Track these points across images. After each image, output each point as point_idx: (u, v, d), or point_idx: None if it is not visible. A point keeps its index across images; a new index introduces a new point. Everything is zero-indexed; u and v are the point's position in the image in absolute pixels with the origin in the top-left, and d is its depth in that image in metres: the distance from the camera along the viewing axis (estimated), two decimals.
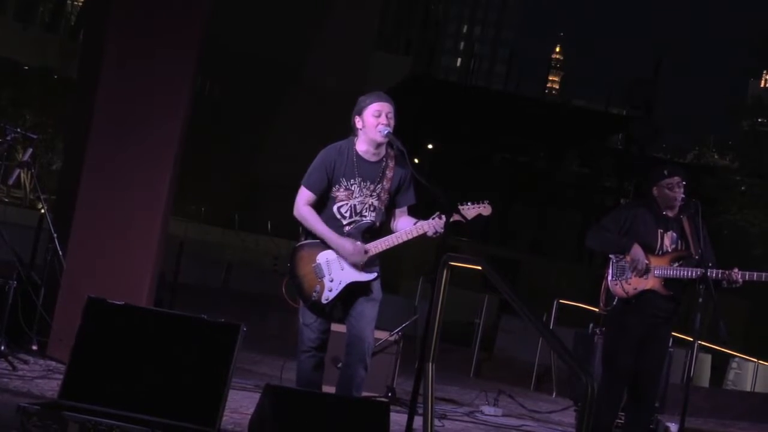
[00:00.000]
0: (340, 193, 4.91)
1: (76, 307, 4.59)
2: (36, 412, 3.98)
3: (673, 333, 6.10)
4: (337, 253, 4.86)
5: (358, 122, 4.93)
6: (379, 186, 4.92)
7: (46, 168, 26.47)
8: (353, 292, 4.89)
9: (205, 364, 4.32)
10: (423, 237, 4.87)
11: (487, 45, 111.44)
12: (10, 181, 7.26)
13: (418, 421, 4.14)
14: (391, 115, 4.90)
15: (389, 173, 4.94)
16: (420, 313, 7.94)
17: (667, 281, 5.60)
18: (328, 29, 33.56)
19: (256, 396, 4.80)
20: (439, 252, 4.22)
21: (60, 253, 6.28)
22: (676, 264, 5.62)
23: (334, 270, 4.87)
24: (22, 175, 7.03)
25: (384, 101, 4.93)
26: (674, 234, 5.69)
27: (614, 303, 5.67)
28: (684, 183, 5.69)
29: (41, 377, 5.48)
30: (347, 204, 4.91)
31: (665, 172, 5.74)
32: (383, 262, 4.99)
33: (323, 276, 4.87)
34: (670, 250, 5.66)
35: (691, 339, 5.86)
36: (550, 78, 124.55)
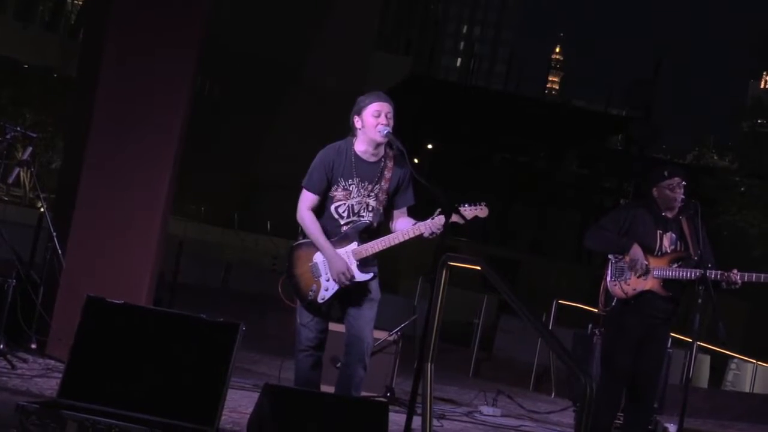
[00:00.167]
0: (338, 193, 4.91)
1: (76, 306, 4.59)
2: (35, 410, 3.98)
3: (672, 334, 6.11)
4: (335, 244, 4.85)
5: (358, 122, 4.93)
6: (377, 186, 4.92)
7: (46, 167, 26.50)
8: (351, 292, 4.89)
9: (204, 363, 4.32)
10: (419, 238, 4.87)
11: (487, 45, 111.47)
12: (10, 180, 7.26)
13: (416, 421, 4.14)
14: (390, 115, 4.90)
15: (388, 174, 4.93)
16: (419, 313, 7.94)
17: (666, 282, 5.60)
18: (328, 29, 33.58)
19: (255, 395, 4.80)
20: (438, 252, 4.21)
21: (59, 251, 6.27)
22: (675, 265, 5.62)
23: (331, 270, 4.87)
24: (21, 173, 7.04)
25: (383, 101, 4.92)
26: (673, 235, 5.69)
27: (613, 303, 5.68)
28: (684, 184, 5.70)
29: (40, 376, 5.48)
30: (345, 204, 4.91)
31: (665, 173, 5.74)
32: (382, 262, 4.99)
33: (320, 275, 4.87)
34: (669, 251, 5.66)
35: (690, 340, 5.87)
36: (550, 78, 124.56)
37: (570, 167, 39.52)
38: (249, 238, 25.14)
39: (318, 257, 4.88)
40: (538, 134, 36.50)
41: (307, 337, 4.93)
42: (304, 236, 4.94)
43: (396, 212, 5.03)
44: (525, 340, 11.84)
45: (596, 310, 5.95)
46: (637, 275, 5.59)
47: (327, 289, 4.86)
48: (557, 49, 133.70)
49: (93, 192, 6.18)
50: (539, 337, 8.63)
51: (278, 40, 32.78)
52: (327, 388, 5.26)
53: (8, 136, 6.49)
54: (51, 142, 26.93)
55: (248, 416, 4.52)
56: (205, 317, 4.43)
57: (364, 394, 5.28)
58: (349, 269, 4.82)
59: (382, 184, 4.92)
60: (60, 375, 4.54)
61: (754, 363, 13.63)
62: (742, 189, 26.45)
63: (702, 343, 10.89)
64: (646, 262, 5.59)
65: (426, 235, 4.79)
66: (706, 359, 13.30)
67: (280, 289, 4.99)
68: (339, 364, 5.13)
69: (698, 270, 5.50)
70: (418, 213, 5.02)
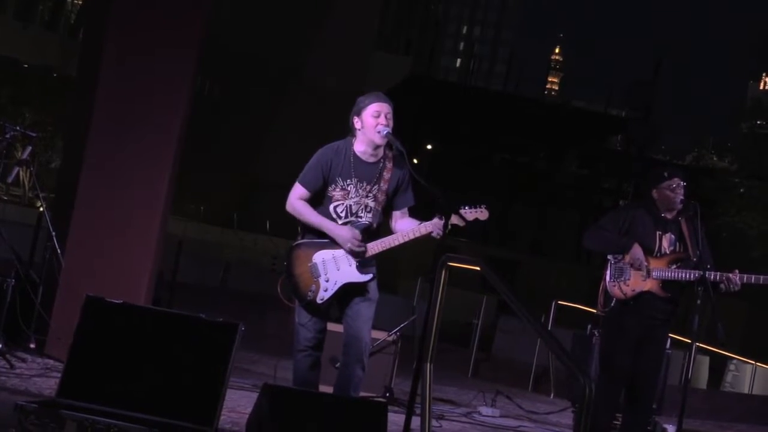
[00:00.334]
0: (336, 193, 4.91)
1: (75, 305, 4.60)
2: (34, 410, 3.98)
3: (671, 335, 6.11)
4: (334, 244, 4.84)
5: (357, 123, 4.93)
6: (375, 187, 4.92)
7: (45, 166, 26.49)
8: (349, 292, 4.89)
9: (203, 363, 4.32)
10: (425, 237, 4.86)
11: (486, 45, 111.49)
12: (9, 179, 7.28)
13: (415, 422, 4.14)
14: (390, 116, 4.90)
15: (387, 175, 4.93)
16: (418, 314, 7.94)
17: (665, 283, 5.60)
18: (328, 29, 33.57)
19: (254, 395, 4.80)
20: (437, 252, 4.22)
21: (58, 251, 6.27)
22: (674, 266, 5.62)
23: (330, 270, 4.87)
24: (21, 173, 7.04)
25: (383, 102, 4.93)
26: (672, 236, 5.69)
27: (612, 304, 5.68)
28: (684, 185, 5.70)
29: (39, 375, 5.48)
30: (343, 204, 4.92)
31: (665, 174, 5.74)
32: (381, 261, 4.99)
33: (319, 276, 4.87)
34: (668, 252, 5.66)
35: (689, 341, 5.87)
36: (550, 79, 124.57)
37: (569, 168, 39.53)
38: (248, 238, 25.12)
39: (317, 257, 4.88)
40: (538, 135, 36.51)
41: (305, 337, 4.93)
42: (304, 236, 4.95)
43: (396, 213, 5.03)
44: (524, 341, 11.83)
45: (595, 311, 5.95)
46: (638, 270, 5.58)
47: (326, 289, 4.86)
48: (557, 50, 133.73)
49: (92, 191, 6.18)
50: (538, 338, 8.64)
51: (278, 40, 32.76)
52: (326, 389, 5.26)
53: (8, 136, 6.50)
54: (50, 142, 26.91)
55: (247, 416, 4.52)
56: (204, 317, 4.43)
57: (362, 394, 5.28)
58: (355, 234, 4.81)
59: (381, 185, 4.92)
60: (59, 374, 4.54)
61: (753, 364, 13.63)
62: (742, 190, 26.46)
63: (701, 344, 10.89)
64: (646, 263, 5.60)
65: (434, 234, 4.79)
66: (705, 360, 13.29)
67: (279, 289, 4.99)
68: (338, 365, 5.13)
69: (697, 271, 5.51)
70: (417, 214, 5.02)
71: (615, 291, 5.65)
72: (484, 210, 4.84)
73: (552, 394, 9.81)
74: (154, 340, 4.38)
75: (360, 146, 4.94)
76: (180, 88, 6.28)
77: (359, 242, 4.82)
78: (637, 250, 5.59)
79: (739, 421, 9.41)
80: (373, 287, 4.94)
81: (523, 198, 37.30)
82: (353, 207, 4.92)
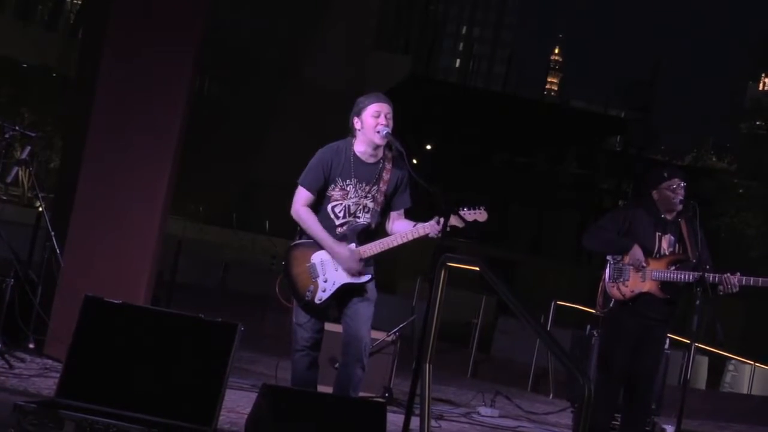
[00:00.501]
0: (335, 193, 4.91)
1: (74, 305, 4.59)
2: (32, 410, 3.98)
3: (670, 335, 6.11)
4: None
5: (357, 123, 4.93)
6: (374, 188, 4.92)
7: (45, 166, 26.49)
8: (347, 292, 4.89)
9: (202, 363, 4.32)
10: (423, 238, 4.86)
11: (486, 46, 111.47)
12: (9, 179, 7.27)
13: (415, 422, 4.14)
14: (390, 116, 4.91)
15: (386, 175, 4.94)
16: (417, 314, 7.94)
17: (664, 284, 5.60)
18: (327, 29, 33.57)
19: (253, 395, 4.80)
20: (436, 252, 4.22)
21: (57, 251, 6.27)
22: (673, 267, 5.62)
23: (328, 270, 4.87)
24: (20, 172, 7.04)
25: (383, 102, 4.93)
26: (672, 237, 5.69)
27: (611, 305, 5.68)
28: (684, 185, 5.70)
29: (38, 375, 5.48)
30: (341, 204, 4.92)
31: (665, 174, 5.74)
32: (380, 262, 4.99)
33: (317, 276, 4.87)
34: (667, 253, 5.66)
35: (688, 341, 5.87)
36: (549, 79, 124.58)
37: (569, 168, 39.52)
38: (247, 238, 25.11)
39: (315, 258, 4.88)
40: (537, 135, 36.49)
41: (303, 336, 4.93)
42: (302, 236, 4.94)
43: (393, 214, 5.03)
44: (523, 341, 11.83)
45: (594, 311, 5.95)
46: (638, 270, 5.58)
47: (324, 290, 4.86)
48: (556, 50, 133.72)
49: (92, 191, 6.17)
50: (537, 338, 8.63)
51: (278, 39, 32.78)
52: (325, 389, 5.26)
53: (7, 136, 6.49)
54: (50, 142, 26.90)
55: (246, 416, 4.52)
56: (203, 317, 4.43)
57: (362, 394, 5.28)
58: (354, 254, 4.81)
59: (380, 185, 4.93)
60: (58, 375, 4.54)
61: (752, 364, 13.63)
62: (741, 190, 26.46)
63: (700, 345, 10.89)
64: (645, 264, 5.60)
65: (432, 235, 4.79)
66: (704, 361, 13.29)
67: (276, 288, 4.99)
68: (337, 365, 5.13)
69: (696, 273, 5.51)
70: (416, 215, 5.02)
71: (614, 292, 5.65)
72: (483, 211, 4.84)
73: (551, 395, 9.80)
74: (153, 340, 4.38)
75: (360, 147, 4.94)
76: (179, 87, 6.27)
77: (357, 264, 4.82)
78: (636, 251, 5.59)
79: (738, 422, 9.40)
80: (371, 287, 4.94)
81: (523, 198, 37.28)
82: (351, 207, 4.92)
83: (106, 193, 6.14)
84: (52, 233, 6.33)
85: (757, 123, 27.83)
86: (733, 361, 14.00)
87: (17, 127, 6.73)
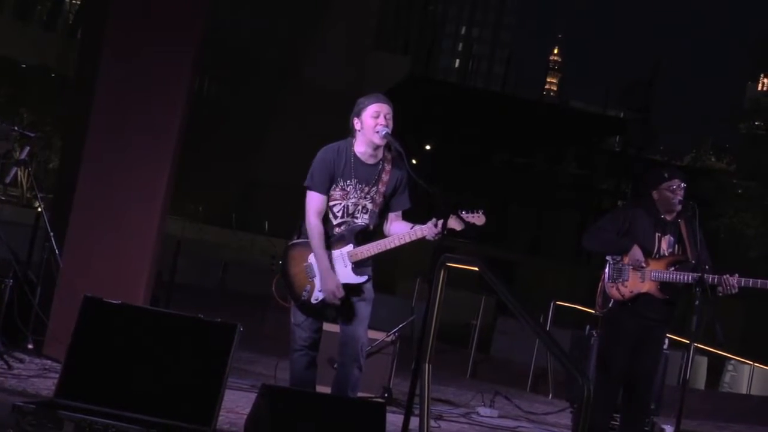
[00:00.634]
0: (335, 193, 4.91)
1: (73, 305, 4.59)
2: (31, 411, 3.98)
3: (669, 335, 6.11)
4: (330, 245, 4.84)
5: (357, 124, 4.93)
6: (374, 189, 4.92)
7: (44, 166, 26.49)
8: (345, 292, 4.88)
9: (202, 363, 4.32)
10: (419, 241, 4.86)
11: (485, 46, 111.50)
12: (7, 180, 7.26)
13: (414, 422, 4.14)
14: (389, 117, 4.90)
15: (385, 176, 4.93)
16: (417, 314, 7.94)
17: (663, 285, 5.60)
18: (326, 29, 33.59)
19: (252, 395, 4.80)
20: (436, 252, 4.21)
21: (56, 251, 6.27)
22: (673, 268, 5.62)
23: (323, 286, 4.85)
24: (19, 173, 7.04)
25: (383, 102, 4.93)
26: (671, 238, 5.69)
27: (610, 305, 5.68)
28: (684, 185, 5.70)
29: (37, 376, 5.47)
30: (340, 204, 4.91)
31: (665, 175, 5.74)
32: (379, 262, 4.98)
33: (314, 276, 4.86)
34: (667, 254, 5.66)
35: (688, 341, 5.87)
36: (548, 79, 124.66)
37: (568, 168, 39.52)
38: (247, 238, 25.12)
39: (313, 258, 4.88)
40: (537, 135, 36.49)
41: (301, 336, 4.92)
42: (300, 236, 4.94)
43: (391, 215, 5.02)
44: (523, 341, 11.83)
45: (593, 312, 5.95)
46: (638, 271, 5.58)
47: (321, 290, 4.85)
48: (555, 50, 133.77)
49: (91, 192, 6.17)
50: (537, 338, 8.63)
51: (278, 39, 32.80)
52: (324, 389, 5.25)
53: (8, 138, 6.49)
54: (49, 142, 26.91)
55: (245, 416, 4.52)
56: (202, 317, 4.43)
57: (361, 394, 5.28)
58: (339, 288, 4.80)
59: (380, 186, 4.92)
60: (57, 375, 4.54)
61: (751, 365, 13.64)
62: (740, 191, 26.48)
63: (699, 345, 10.89)
64: (645, 265, 5.60)
65: (429, 237, 4.78)
66: (704, 361, 13.30)
67: (273, 288, 4.98)
68: (336, 365, 5.13)
69: (695, 273, 5.50)
70: (416, 215, 5.02)
71: (613, 292, 5.65)
72: (481, 215, 4.84)
73: (550, 395, 9.80)
74: (153, 341, 4.38)
75: (360, 147, 4.94)
76: (179, 87, 6.27)
77: (338, 297, 4.80)
78: (636, 252, 5.59)
79: (737, 422, 9.40)
80: (368, 288, 4.94)
81: (522, 198, 37.28)
82: (350, 207, 4.92)
83: (105, 194, 6.14)
84: (51, 233, 6.33)
85: (756, 123, 27.83)
86: (732, 362, 14.01)
87: (16, 128, 6.73)
